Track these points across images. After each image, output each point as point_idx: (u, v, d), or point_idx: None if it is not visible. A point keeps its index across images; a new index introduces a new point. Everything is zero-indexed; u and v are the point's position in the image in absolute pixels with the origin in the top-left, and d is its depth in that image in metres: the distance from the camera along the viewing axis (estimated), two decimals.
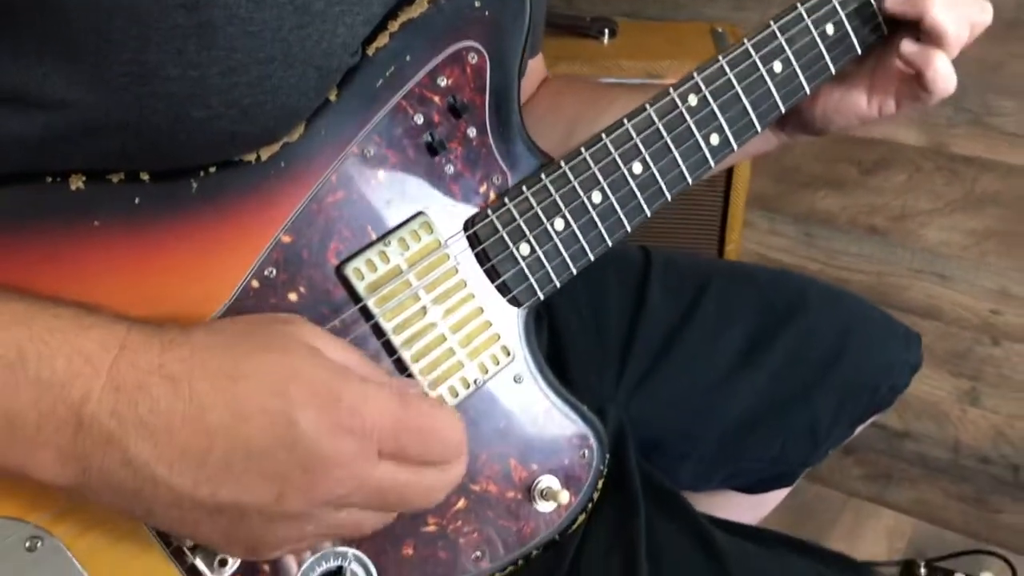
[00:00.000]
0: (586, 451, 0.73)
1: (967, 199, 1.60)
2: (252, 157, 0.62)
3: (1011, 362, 1.71)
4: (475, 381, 0.68)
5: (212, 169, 0.61)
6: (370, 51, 0.64)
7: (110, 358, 0.51)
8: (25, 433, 0.50)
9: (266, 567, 0.63)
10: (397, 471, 0.55)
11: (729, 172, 1.54)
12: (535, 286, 0.70)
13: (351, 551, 0.65)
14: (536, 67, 0.96)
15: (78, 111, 0.55)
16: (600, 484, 0.74)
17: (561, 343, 0.96)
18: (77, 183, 0.58)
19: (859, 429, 1.14)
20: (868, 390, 1.07)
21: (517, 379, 0.71)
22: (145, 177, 0.59)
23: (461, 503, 0.69)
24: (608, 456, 0.74)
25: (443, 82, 0.67)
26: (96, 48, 0.53)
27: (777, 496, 1.20)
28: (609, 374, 0.96)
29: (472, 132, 0.69)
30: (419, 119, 0.67)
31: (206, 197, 0.61)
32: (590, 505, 0.74)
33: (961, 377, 1.77)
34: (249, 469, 0.52)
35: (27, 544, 0.57)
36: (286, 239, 0.63)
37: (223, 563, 0.62)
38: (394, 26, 0.65)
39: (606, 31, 1.52)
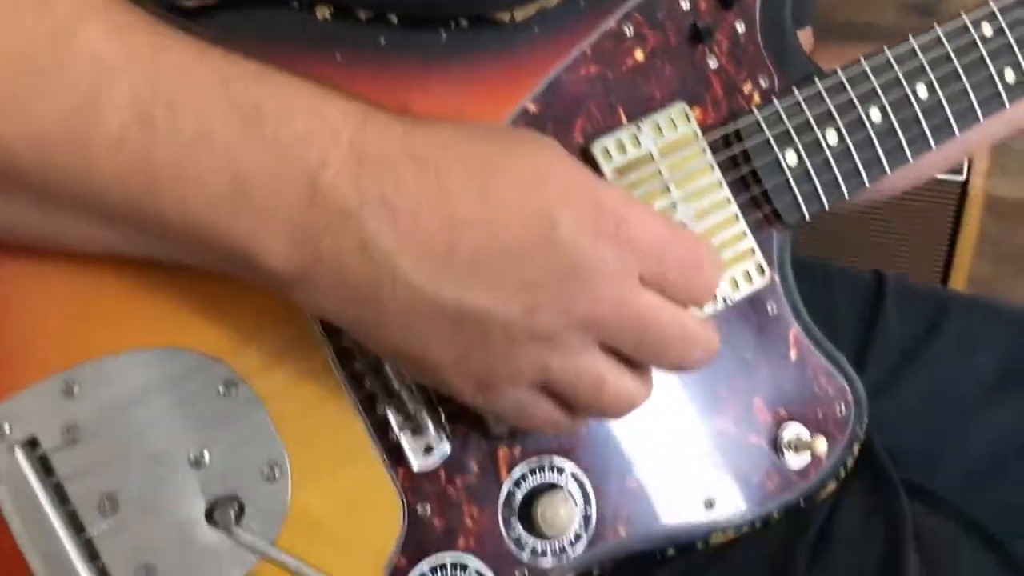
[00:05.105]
0: (842, 406, 0.59)
1: None
2: (506, 17, 0.54)
3: None
4: (724, 298, 0.55)
5: (464, 23, 0.53)
6: None
7: (352, 128, 0.41)
8: (254, 200, 0.40)
9: (473, 465, 0.52)
10: (660, 304, 0.44)
11: (950, 251, 1.37)
12: (800, 202, 0.58)
13: (570, 467, 0.53)
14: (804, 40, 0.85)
15: None
16: (856, 450, 0.59)
17: None
18: (324, 13, 0.51)
19: None
20: None
21: (771, 308, 0.58)
22: (393, 19, 0.52)
23: (695, 437, 0.56)
24: (867, 419, 0.59)
25: None
26: None
27: None
28: None
29: (740, 27, 0.58)
30: (685, 4, 0.57)
31: (455, 51, 0.53)
32: (842, 472, 0.59)
33: None
34: (502, 272, 0.41)
35: (221, 388, 0.48)
36: (532, 108, 0.54)
37: (428, 450, 0.51)
38: None
39: None
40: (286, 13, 0.51)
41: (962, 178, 1.23)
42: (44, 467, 0.45)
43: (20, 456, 0.45)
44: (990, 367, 0.84)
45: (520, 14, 0.54)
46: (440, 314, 0.42)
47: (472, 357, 0.43)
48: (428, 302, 0.42)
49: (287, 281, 0.43)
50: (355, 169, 0.41)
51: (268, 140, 0.40)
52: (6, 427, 0.45)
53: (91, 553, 0.46)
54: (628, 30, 0.56)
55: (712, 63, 0.57)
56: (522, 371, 0.44)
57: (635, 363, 0.47)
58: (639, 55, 0.56)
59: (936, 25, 0.61)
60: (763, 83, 0.58)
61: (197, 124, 0.40)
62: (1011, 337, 0.87)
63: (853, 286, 0.89)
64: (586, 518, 0.53)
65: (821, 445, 0.55)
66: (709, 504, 0.55)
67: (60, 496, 0.45)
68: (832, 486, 0.58)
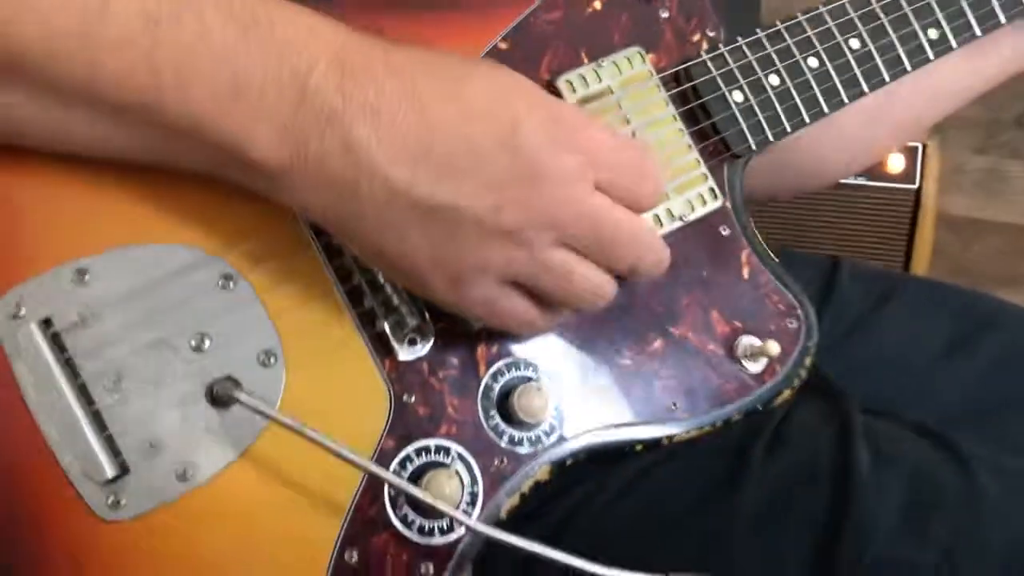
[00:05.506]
0: (793, 321, 0.63)
1: None
2: None
3: None
4: (681, 216, 0.60)
5: None
6: None
7: (338, 41, 0.46)
8: (248, 99, 0.45)
9: (454, 359, 0.56)
10: (612, 205, 0.48)
11: (907, 261, 1.42)
12: (746, 132, 0.63)
13: (543, 364, 0.57)
14: None
15: None
16: (808, 362, 0.63)
17: None
18: None
19: None
20: None
21: (724, 230, 0.63)
22: None
23: (658, 343, 0.60)
24: (817, 336, 0.64)
25: None
26: None
27: None
28: None
29: None
30: None
31: None
32: (796, 381, 0.62)
33: None
34: (470, 171, 0.45)
35: (220, 282, 0.52)
36: (503, 45, 0.59)
37: (412, 343, 0.55)
38: None
39: None
40: None
41: (915, 186, 1.30)
42: (57, 344, 0.49)
43: (36, 333, 0.48)
44: (942, 333, 0.88)
45: None
46: (414, 210, 0.46)
47: (444, 252, 0.47)
48: (404, 198, 0.46)
49: (274, 176, 0.46)
50: (339, 75, 0.45)
51: (262, 45, 0.45)
52: (23, 308, 0.48)
53: (100, 424, 0.49)
54: None
55: (664, 14, 0.63)
56: (490, 265, 0.48)
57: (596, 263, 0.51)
58: (598, 4, 0.62)
59: None
60: (710, 33, 0.64)
61: (198, 28, 0.45)
62: (962, 307, 0.91)
63: (810, 264, 0.94)
64: (559, 411, 0.56)
65: (774, 348, 0.59)
66: (673, 405, 0.59)
67: (72, 371, 0.49)
68: (787, 394, 0.62)
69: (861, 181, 1.31)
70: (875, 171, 1.31)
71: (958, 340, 0.88)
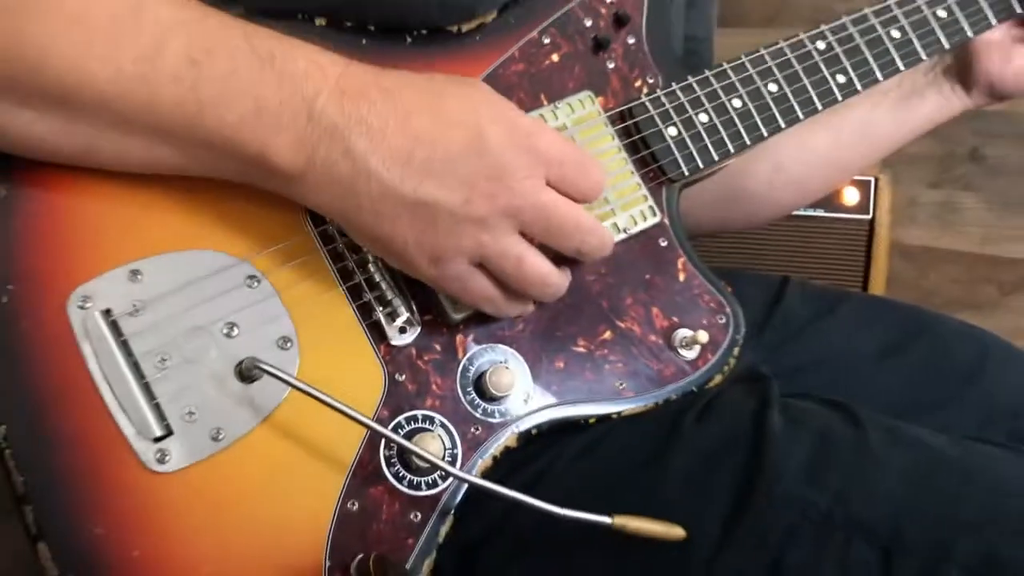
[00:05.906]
0: (722, 317, 0.74)
1: None
2: (455, 28, 0.72)
3: None
4: (624, 229, 0.72)
5: (424, 32, 0.72)
6: None
7: (338, 70, 0.58)
8: (268, 117, 0.56)
9: (437, 345, 0.67)
10: (560, 199, 0.60)
11: (864, 287, 1.53)
12: (679, 161, 0.75)
13: (511, 350, 0.69)
14: None
15: None
16: (736, 352, 0.74)
17: None
18: (320, 22, 0.69)
19: None
20: (1008, 416, 1.00)
21: (662, 242, 0.75)
22: (371, 27, 0.70)
23: (608, 334, 0.71)
24: (744, 330, 0.75)
25: None
26: None
27: None
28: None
29: (631, 40, 0.77)
30: (588, 22, 0.76)
31: (417, 49, 0.71)
32: (726, 368, 0.74)
33: None
34: (445, 171, 0.57)
35: (247, 281, 0.64)
36: None
37: (403, 331, 0.66)
38: None
39: None
40: (293, 24, 0.68)
41: (869, 216, 1.42)
42: (115, 329, 0.60)
43: (99, 320, 0.60)
44: (877, 338, 0.99)
45: (465, 27, 0.72)
46: (402, 202, 0.58)
47: (426, 236, 0.59)
48: (393, 193, 0.58)
49: (291, 179, 0.59)
50: (340, 98, 0.58)
51: (278, 76, 0.57)
52: (89, 301, 0.60)
53: (149, 394, 0.60)
54: (546, 39, 0.74)
55: (611, 64, 0.76)
56: (462, 247, 0.60)
57: (551, 252, 0.63)
58: (555, 57, 0.74)
59: (780, 41, 0.80)
60: (650, 80, 0.77)
61: (229, 65, 0.57)
62: (899, 317, 1.02)
63: (761, 282, 1.05)
64: (524, 389, 0.68)
65: (703, 336, 0.71)
66: (620, 385, 0.70)
67: (127, 350, 0.60)
68: (718, 379, 0.73)
69: (819, 212, 1.44)
70: (831, 202, 1.43)
71: (891, 345, 0.98)
